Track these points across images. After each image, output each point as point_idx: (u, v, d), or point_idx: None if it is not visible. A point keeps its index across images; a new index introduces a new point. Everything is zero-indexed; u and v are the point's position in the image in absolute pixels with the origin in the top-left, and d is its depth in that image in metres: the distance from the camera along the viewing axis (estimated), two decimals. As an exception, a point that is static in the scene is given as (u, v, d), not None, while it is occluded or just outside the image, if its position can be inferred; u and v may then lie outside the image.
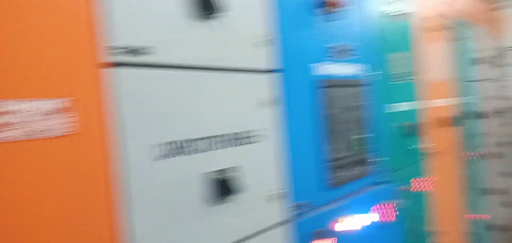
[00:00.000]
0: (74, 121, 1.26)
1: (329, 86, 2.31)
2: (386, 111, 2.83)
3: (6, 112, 1.13)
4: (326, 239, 2.14)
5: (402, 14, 3.09)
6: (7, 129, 1.12)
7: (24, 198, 1.16)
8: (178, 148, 1.58)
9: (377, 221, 2.53)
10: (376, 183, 2.64)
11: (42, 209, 1.19)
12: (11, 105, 1.14)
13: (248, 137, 1.86)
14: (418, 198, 3.16)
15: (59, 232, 1.23)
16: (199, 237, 1.62)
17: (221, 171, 1.70)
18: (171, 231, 1.52)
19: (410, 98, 3.20)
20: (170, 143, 1.54)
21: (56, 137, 1.22)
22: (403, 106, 3.08)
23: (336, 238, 2.19)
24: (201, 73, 1.69)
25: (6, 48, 1.14)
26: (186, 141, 1.60)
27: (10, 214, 1.13)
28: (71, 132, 1.25)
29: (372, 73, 2.68)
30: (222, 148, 1.74)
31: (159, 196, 1.49)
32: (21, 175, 1.15)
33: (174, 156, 1.55)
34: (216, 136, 1.72)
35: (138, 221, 1.41)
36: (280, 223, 1.99)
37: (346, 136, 2.41)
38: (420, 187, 3.17)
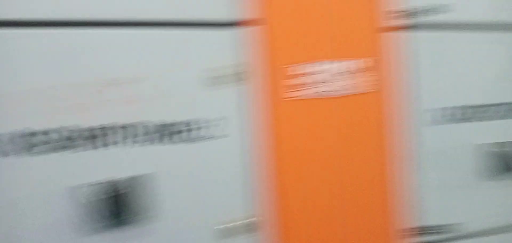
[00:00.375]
0: (375, 80, 1.37)
1: None
2: None
3: (321, 72, 1.31)
4: None
5: None
6: (322, 86, 1.31)
7: (332, 139, 1.34)
8: (458, 114, 1.54)
9: None
10: None
11: (343, 149, 1.36)
12: (321, 66, 1.31)
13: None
14: None
15: (348, 172, 1.37)
16: (473, 209, 1.55)
17: (501, 144, 1.57)
18: (445, 195, 1.51)
19: None
20: (452, 108, 1.52)
21: (361, 93, 1.35)
22: None
23: None
24: (488, 33, 1.58)
25: (320, 19, 1.32)
26: (466, 107, 1.54)
27: (321, 152, 1.33)
28: (372, 90, 1.36)
29: None
30: (502, 118, 1.60)
31: (436, 160, 1.49)
32: (335, 125, 1.34)
33: (453, 123, 1.52)
34: (497, 105, 1.59)
35: (421, 179, 1.46)
36: None
37: None
38: None
